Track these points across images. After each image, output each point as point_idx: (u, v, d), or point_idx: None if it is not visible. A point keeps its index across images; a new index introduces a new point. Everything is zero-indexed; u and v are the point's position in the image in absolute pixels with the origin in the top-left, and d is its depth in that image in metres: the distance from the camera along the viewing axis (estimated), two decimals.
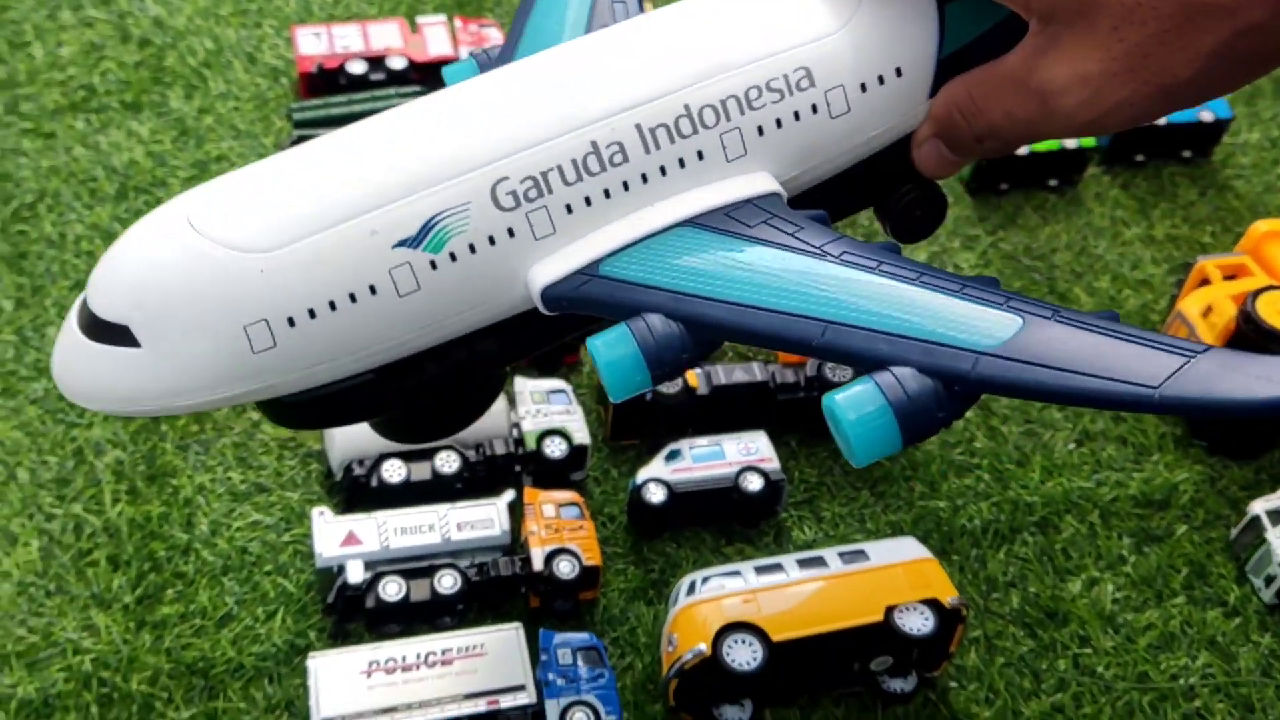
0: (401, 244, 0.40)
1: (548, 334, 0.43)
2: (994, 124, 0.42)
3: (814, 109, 0.43)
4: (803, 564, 0.71)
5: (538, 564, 0.71)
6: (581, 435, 0.78)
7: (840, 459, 0.85)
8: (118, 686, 0.68)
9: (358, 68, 0.99)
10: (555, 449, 0.77)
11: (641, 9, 0.50)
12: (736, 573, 0.70)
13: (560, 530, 0.73)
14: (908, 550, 0.72)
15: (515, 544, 0.74)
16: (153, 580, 0.72)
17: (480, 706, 0.65)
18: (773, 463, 0.78)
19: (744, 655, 0.66)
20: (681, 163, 0.42)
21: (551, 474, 0.78)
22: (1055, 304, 0.38)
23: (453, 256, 0.40)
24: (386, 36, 1.01)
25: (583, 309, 0.41)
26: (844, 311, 0.38)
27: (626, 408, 0.80)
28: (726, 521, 0.79)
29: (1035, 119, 0.40)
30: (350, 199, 0.40)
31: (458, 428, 0.51)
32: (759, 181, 0.43)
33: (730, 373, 0.82)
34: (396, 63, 1.00)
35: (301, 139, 0.93)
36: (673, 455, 0.78)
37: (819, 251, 0.40)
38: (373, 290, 0.40)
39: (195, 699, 0.68)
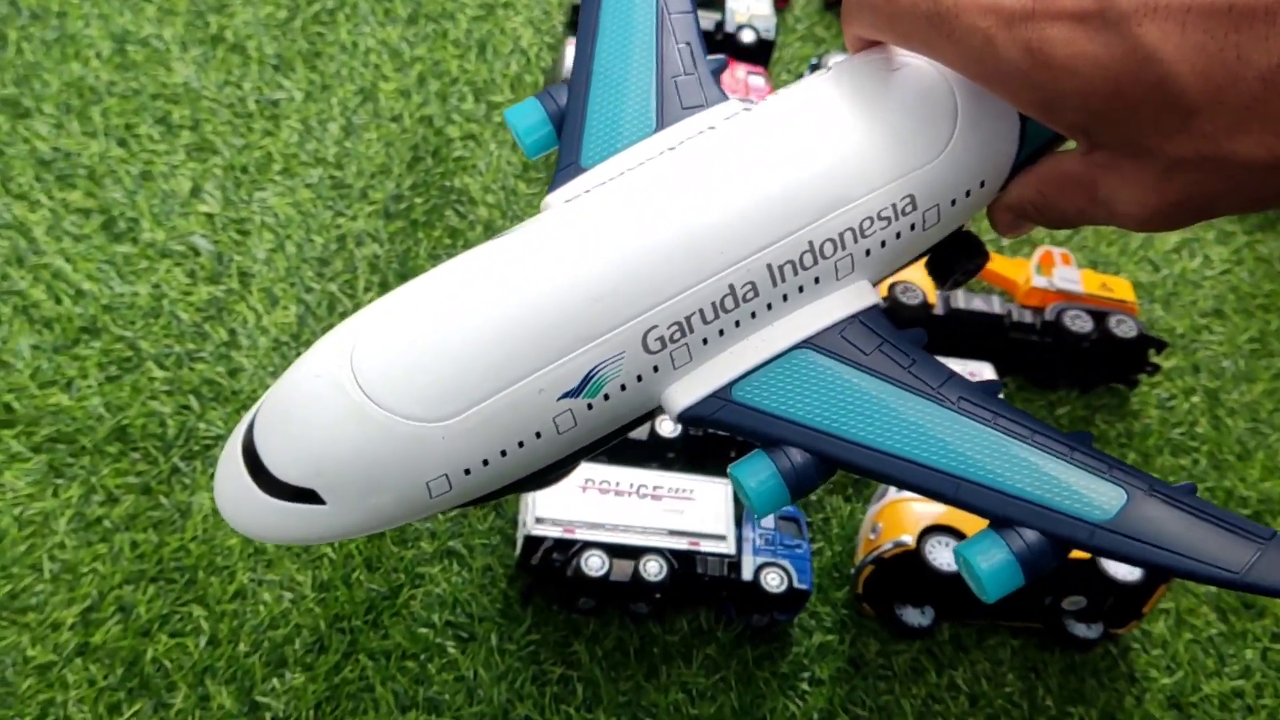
0: (565, 396, 0.42)
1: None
2: (1067, 216, 0.45)
3: (912, 227, 0.46)
4: None
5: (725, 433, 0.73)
6: None
7: (1053, 412, 0.84)
8: None
9: None
10: None
11: (705, 49, 0.51)
12: None
13: None
14: None
15: None
16: None
17: (681, 544, 0.67)
18: None
19: (945, 557, 0.67)
20: (801, 289, 0.45)
21: None
22: (1145, 472, 0.41)
23: (606, 397, 0.43)
24: None
25: (718, 429, 0.44)
26: (973, 470, 0.41)
27: None
28: None
29: (1104, 219, 0.43)
30: (519, 362, 0.42)
31: (564, 478, 0.54)
32: (862, 293, 0.46)
33: (970, 299, 0.82)
34: None
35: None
36: None
37: (938, 395, 0.43)
38: (538, 435, 0.43)
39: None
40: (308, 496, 0.42)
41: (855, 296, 0.46)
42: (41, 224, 0.78)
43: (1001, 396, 0.44)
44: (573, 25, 1.00)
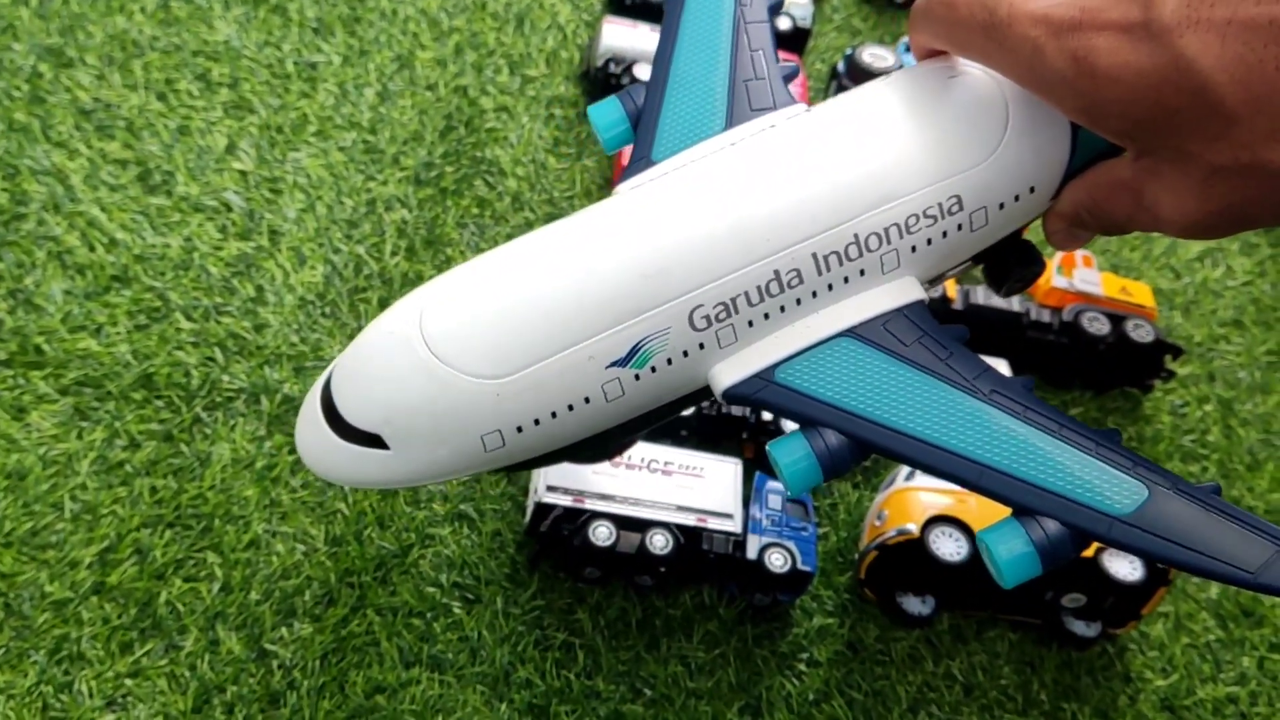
0: (613, 364, 0.46)
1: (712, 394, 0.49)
2: (1117, 222, 0.46)
3: (959, 227, 0.47)
4: None
5: (767, 413, 0.74)
6: None
7: (1067, 411, 0.85)
8: None
9: None
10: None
11: (777, 56, 0.53)
12: None
13: None
14: None
15: None
16: None
17: (689, 520, 0.68)
18: None
19: (948, 547, 0.68)
20: (846, 280, 0.47)
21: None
22: (1171, 472, 0.42)
23: (653, 369, 0.46)
24: None
25: (760, 408, 0.47)
26: (998, 458, 0.43)
27: None
28: None
29: (1150, 226, 0.44)
30: (571, 329, 0.45)
31: (619, 454, 0.59)
32: (907, 288, 0.48)
33: (989, 296, 0.83)
34: None
35: None
36: None
37: (971, 387, 0.45)
38: (586, 401, 0.46)
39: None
40: (375, 442, 0.46)
41: (901, 291, 0.48)
42: (79, 172, 0.80)
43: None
44: (610, 3, 1.01)
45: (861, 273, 0.47)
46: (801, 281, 0.46)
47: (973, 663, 0.72)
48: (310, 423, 0.48)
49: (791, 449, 0.45)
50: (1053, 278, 0.85)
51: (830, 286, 0.47)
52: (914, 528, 0.68)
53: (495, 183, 0.88)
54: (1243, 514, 0.41)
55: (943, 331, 0.47)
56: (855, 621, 0.72)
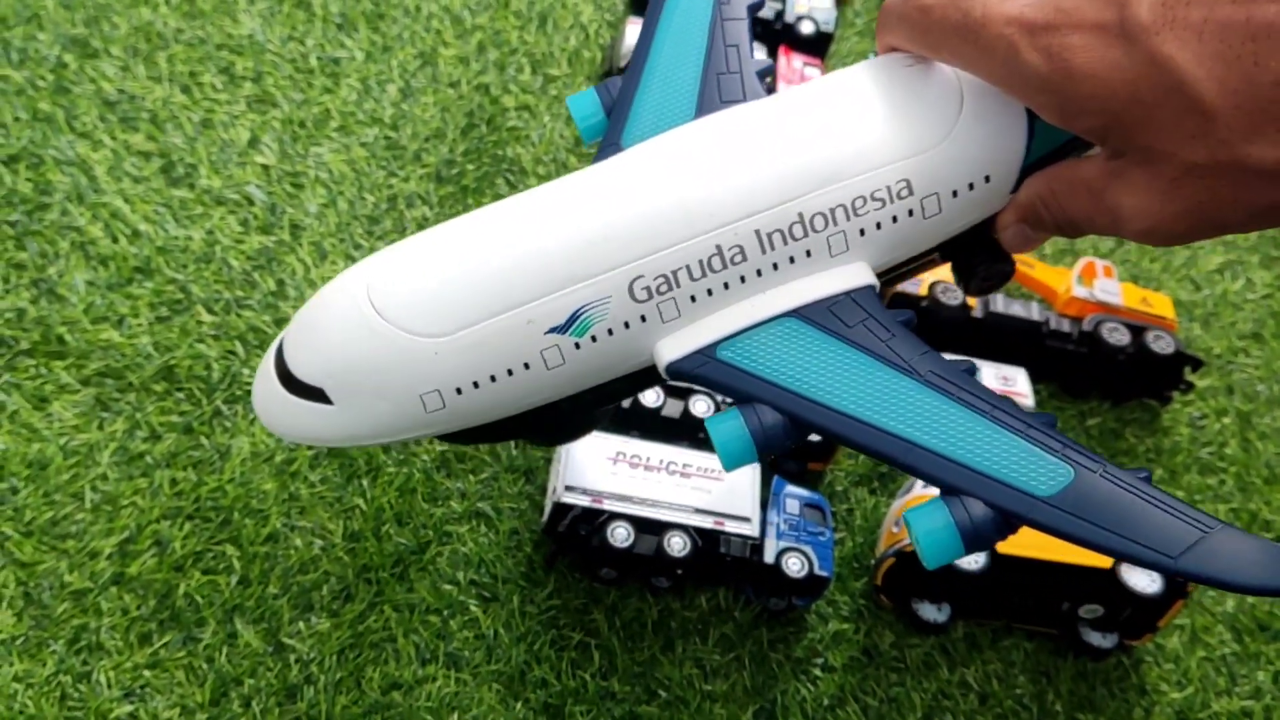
0: (552, 330, 0.46)
1: (661, 378, 0.50)
2: (1074, 220, 0.45)
3: (910, 213, 0.47)
4: None
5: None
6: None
7: (1084, 422, 0.85)
8: None
9: None
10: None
11: (752, 52, 0.54)
12: None
13: None
14: None
15: None
16: None
17: (706, 522, 0.68)
18: (1026, 400, 0.79)
19: (967, 557, 0.67)
20: (791, 260, 0.47)
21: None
22: (1100, 455, 0.42)
23: (593, 339, 0.46)
24: None
25: (701, 384, 0.47)
26: (927, 437, 0.43)
27: (897, 303, 0.81)
28: None
29: (1108, 227, 0.44)
30: (510, 292, 0.46)
31: (576, 437, 0.59)
32: (856, 273, 0.48)
33: (1009, 304, 0.82)
34: None
35: None
36: None
37: (908, 368, 0.45)
38: (526, 366, 0.47)
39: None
40: (319, 396, 0.47)
41: (850, 275, 0.48)
42: (103, 164, 0.80)
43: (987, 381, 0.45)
44: (633, 4, 1.01)
45: (808, 254, 0.47)
46: (745, 259, 0.46)
47: (988, 671, 0.71)
48: (264, 378, 0.49)
49: (724, 421, 0.45)
50: (1073, 287, 0.85)
51: (775, 266, 0.47)
52: None
53: (516, 181, 0.88)
54: (1171, 499, 0.41)
55: (888, 315, 0.47)
56: (871, 627, 0.72)
